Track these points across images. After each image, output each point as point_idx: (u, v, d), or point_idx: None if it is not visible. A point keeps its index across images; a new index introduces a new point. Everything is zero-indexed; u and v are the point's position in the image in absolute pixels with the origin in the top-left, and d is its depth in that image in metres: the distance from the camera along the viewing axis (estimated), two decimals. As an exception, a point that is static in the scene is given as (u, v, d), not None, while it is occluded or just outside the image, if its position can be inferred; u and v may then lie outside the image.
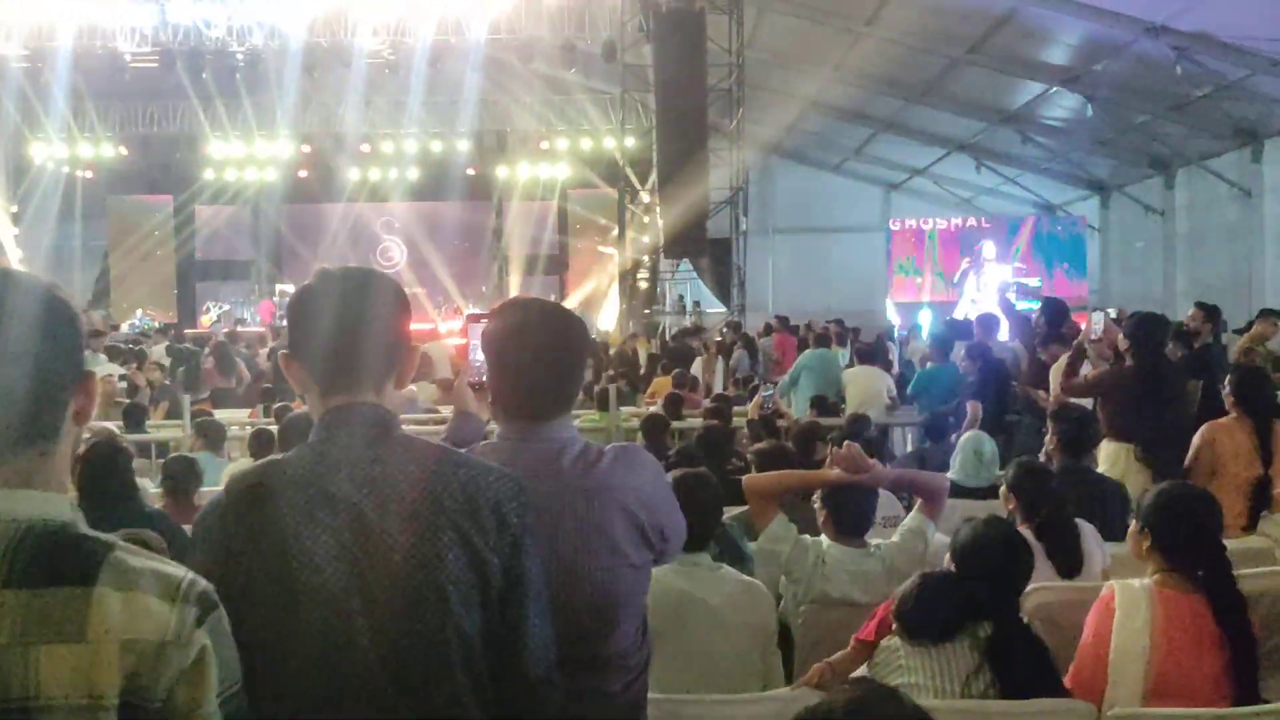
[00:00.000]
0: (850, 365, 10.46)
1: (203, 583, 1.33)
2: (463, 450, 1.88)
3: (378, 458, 1.66)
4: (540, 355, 2.02)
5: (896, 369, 11.97)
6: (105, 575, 1.26)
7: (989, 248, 19.20)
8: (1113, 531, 4.31)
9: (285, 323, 1.87)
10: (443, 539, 1.63)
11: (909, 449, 8.14)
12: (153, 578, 1.29)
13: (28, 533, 1.26)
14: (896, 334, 16.51)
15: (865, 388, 8.73)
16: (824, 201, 23.20)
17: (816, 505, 3.83)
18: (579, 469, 2.02)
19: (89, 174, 22.21)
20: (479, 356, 2.15)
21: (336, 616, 1.59)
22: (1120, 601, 2.72)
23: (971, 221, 19.52)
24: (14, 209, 21.12)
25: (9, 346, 1.29)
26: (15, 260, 21.03)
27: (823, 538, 3.72)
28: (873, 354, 10.09)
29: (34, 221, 21.43)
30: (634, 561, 2.08)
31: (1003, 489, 3.93)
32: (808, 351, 9.64)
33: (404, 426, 1.76)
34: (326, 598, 1.58)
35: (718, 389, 11.09)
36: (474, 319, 2.29)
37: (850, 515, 3.74)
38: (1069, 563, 3.59)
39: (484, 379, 2.14)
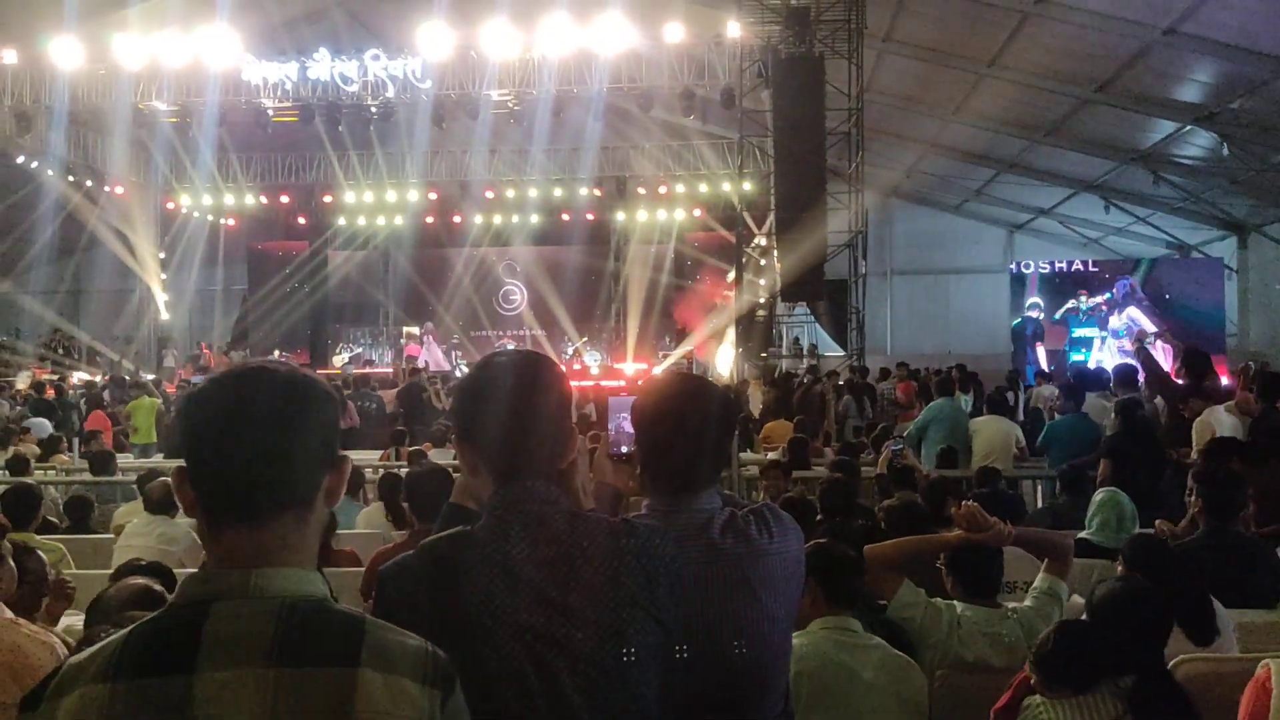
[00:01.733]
0: (975, 413, 10.25)
1: (443, 658, 1.37)
2: (624, 517, 1.95)
3: (553, 537, 1.73)
4: (689, 430, 2.07)
5: (1020, 416, 11.68)
6: (367, 655, 1.30)
7: (1119, 289, 18.58)
8: (1262, 597, 4.15)
9: (453, 402, 1.97)
10: (624, 614, 1.70)
11: (1040, 503, 7.94)
12: (405, 656, 1.33)
13: (294, 610, 1.31)
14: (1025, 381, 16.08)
15: (993, 438, 8.52)
16: (944, 243, 22.87)
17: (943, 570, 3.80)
18: (729, 536, 2.07)
19: (231, 222, 23.44)
20: (621, 426, 2.22)
21: (517, 697, 1.66)
22: (1278, 681, 2.62)
23: (1078, 265, 18.86)
24: (162, 255, 22.38)
25: (282, 419, 1.37)
26: (161, 303, 22.29)
27: (955, 602, 3.67)
28: (1001, 403, 9.86)
29: (180, 267, 22.68)
30: (783, 626, 2.13)
31: (1120, 568, 3.80)
32: (937, 401, 9.42)
33: None
34: (508, 676, 1.66)
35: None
36: (609, 393, 2.38)
37: (974, 576, 3.69)
38: (1202, 632, 3.45)
39: (623, 450, 2.21)
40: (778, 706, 2.14)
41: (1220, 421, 6.48)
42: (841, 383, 14.48)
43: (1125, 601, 2.80)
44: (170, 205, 22.48)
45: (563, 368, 1.96)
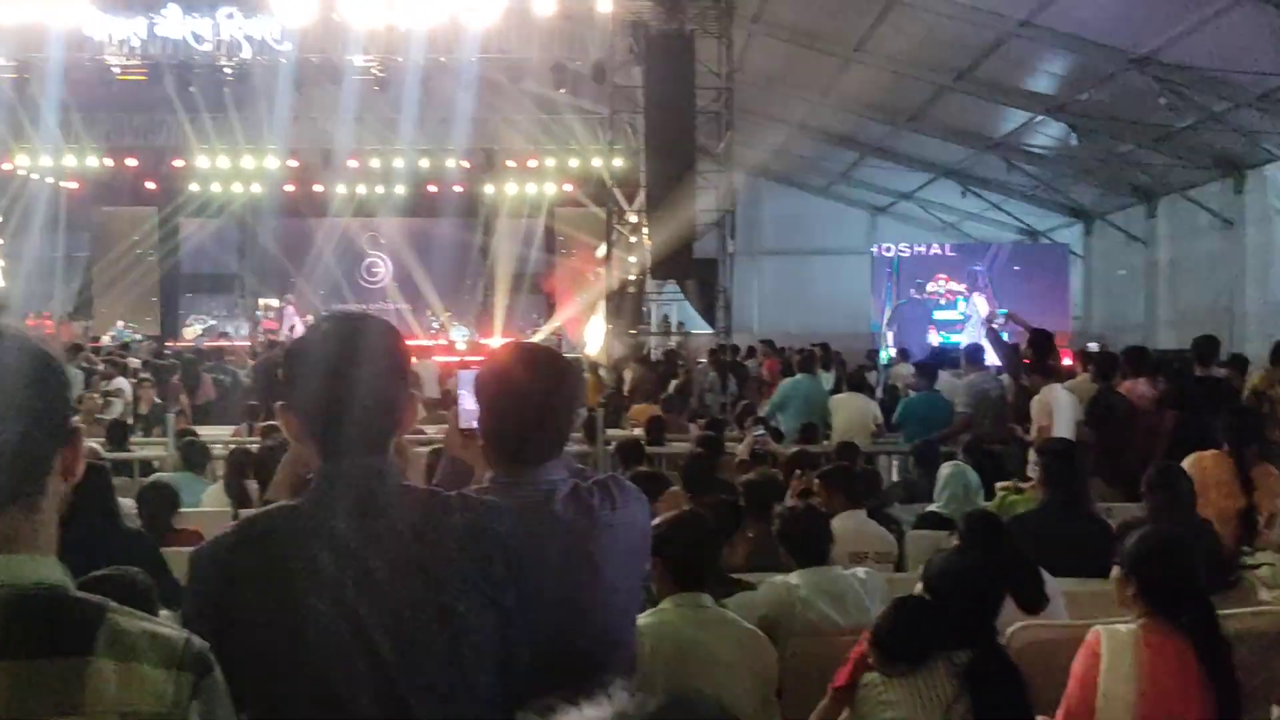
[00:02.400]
0: (836, 390, 10.48)
1: (198, 643, 1.29)
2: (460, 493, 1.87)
3: (381, 510, 1.64)
4: (534, 401, 2.03)
5: (880, 395, 12.01)
6: (102, 643, 1.22)
7: (973, 275, 19.25)
8: (1099, 567, 4.33)
9: (283, 367, 1.83)
10: (456, 592, 1.62)
11: (895, 477, 8.16)
12: (149, 643, 1.25)
13: (20, 598, 1.23)
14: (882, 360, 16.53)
15: (852, 415, 8.73)
16: (810, 224, 23.31)
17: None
18: (572, 509, 2.03)
19: (74, 185, 22.10)
20: (469, 403, 2.15)
21: (341, 675, 1.57)
22: (1107, 648, 2.72)
23: (935, 249, 19.48)
24: (-2, 219, 21.01)
25: (6, 405, 1.25)
26: (-2, 270, 20.96)
27: (790, 574, 3.76)
28: (860, 381, 10.10)
29: (17, 232, 21.30)
30: (627, 598, 2.12)
31: (955, 541, 3.93)
32: (795, 378, 9.63)
33: None
34: (332, 654, 1.56)
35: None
36: (463, 365, 2.31)
37: (804, 544, 3.84)
38: (1032, 601, 3.58)
39: (473, 424, 2.14)
40: (623, 680, 2.11)
41: (1058, 399, 6.81)
42: (706, 360, 14.62)
43: (958, 576, 2.86)
44: (7, 166, 21.06)
45: (399, 330, 1.84)
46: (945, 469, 5.79)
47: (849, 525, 4.89)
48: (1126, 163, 16.59)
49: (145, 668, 1.23)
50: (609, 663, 2.06)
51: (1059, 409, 6.76)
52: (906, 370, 12.76)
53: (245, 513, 5.85)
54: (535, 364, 2.08)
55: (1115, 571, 2.87)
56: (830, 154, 20.75)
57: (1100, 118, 14.90)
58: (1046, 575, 3.74)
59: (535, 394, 2.03)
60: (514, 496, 1.99)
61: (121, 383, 11.51)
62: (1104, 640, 2.74)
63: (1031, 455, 5.01)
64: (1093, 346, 11.79)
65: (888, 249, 19.68)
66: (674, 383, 13.27)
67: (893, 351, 16.49)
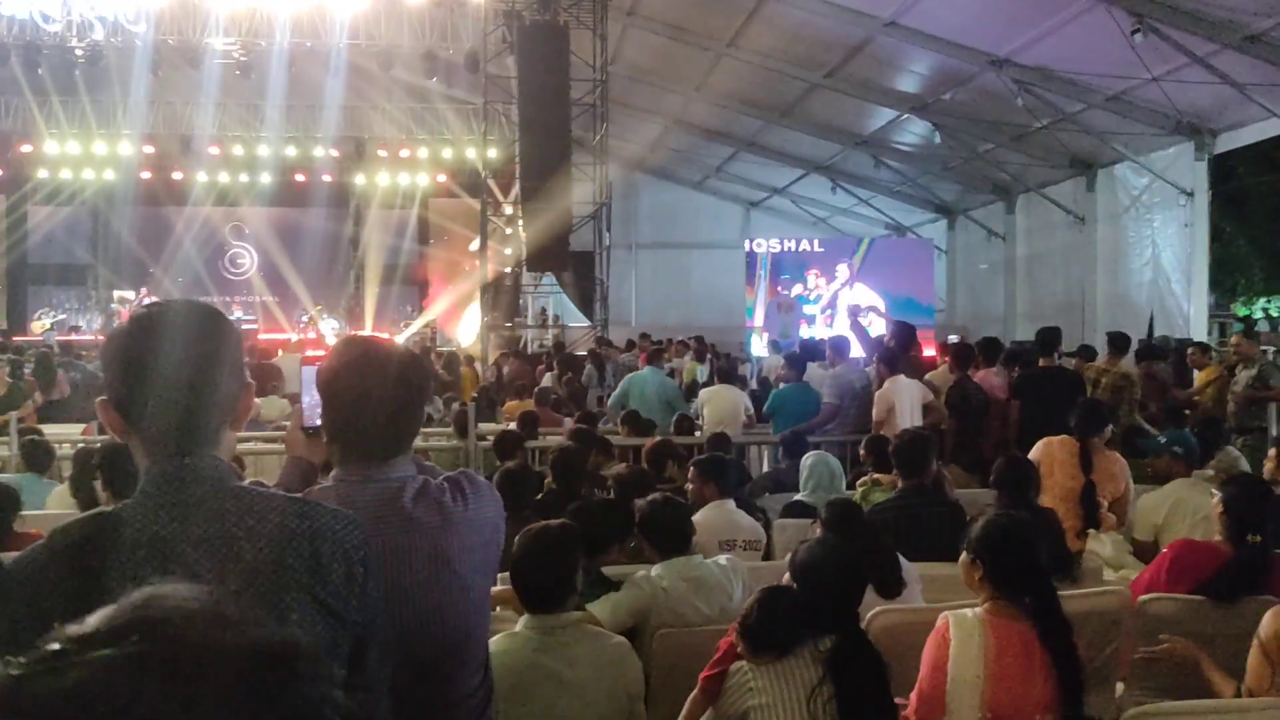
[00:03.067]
0: (709, 383, 10.58)
1: None
2: (300, 496, 1.78)
3: (214, 513, 1.54)
4: (380, 396, 1.95)
5: (754, 386, 12.18)
6: None
7: (842, 269, 19.70)
8: (950, 550, 4.47)
9: (100, 360, 1.69)
10: (287, 599, 1.53)
11: (765, 467, 8.27)
12: None
13: None
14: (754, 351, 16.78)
15: (722, 405, 8.82)
16: (686, 218, 23.52)
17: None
18: (422, 506, 1.97)
19: (-90, 169, 20.74)
20: (312, 398, 2.06)
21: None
22: (955, 632, 2.80)
23: (805, 245, 19.88)
24: None
25: None
26: None
27: (651, 569, 3.76)
28: (731, 373, 10.22)
29: None
30: (479, 595, 2.07)
31: (817, 528, 4.02)
32: (637, 372, 9.98)
33: (250, 444, 1.65)
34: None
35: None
36: (306, 362, 2.20)
37: (665, 534, 3.85)
38: (890, 585, 3.68)
39: (317, 424, 2.05)
40: (477, 676, 2.10)
41: (899, 391, 7.09)
42: (585, 352, 14.60)
43: (822, 564, 2.90)
44: None
45: (225, 318, 1.72)
46: (809, 458, 5.88)
47: (718, 515, 4.92)
48: (987, 161, 17.23)
49: None
50: (463, 656, 2.04)
51: (899, 401, 7.03)
52: (778, 361, 12.99)
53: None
54: (378, 359, 2.00)
55: (963, 556, 2.95)
56: (704, 148, 20.96)
57: (962, 117, 15.42)
58: (904, 560, 3.84)
59: (379, 389, 1.95)
60: (362, 494, 1.93)
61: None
62: (952, 625, 2.82)
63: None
64: (953, 338, 12.20)
65: (759, 244, 19.96)
66: (548, 375, 13.21)
67: (764, 344, 16.75)
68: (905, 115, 16.16)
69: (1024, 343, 12.07)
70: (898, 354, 7.55)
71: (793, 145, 19.57)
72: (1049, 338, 7.77)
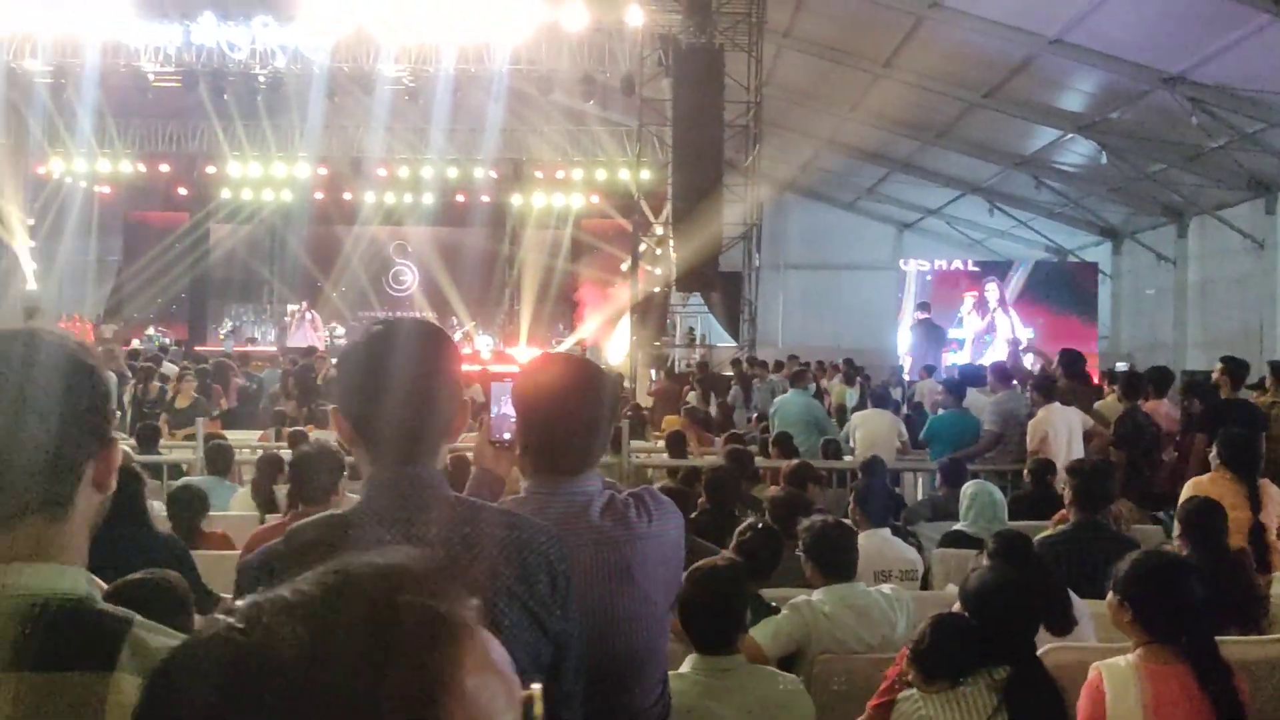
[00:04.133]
0: (860, 406, 10.47)
1: None
2: (506, 508, 1.89)
3: (431, 521, 1.65)
4: (571, 412, 2.04)
5: (906, 411, 11.97)
6: (125, 659, 1.19)
7: (993, 290, 19.13)
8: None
9: (335, 372, 1.84)
10: (499, 605, 1.62)
11: (921, 495, 8.12)
12: None
13: (44, 610, 1.19)
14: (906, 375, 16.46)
15: (876, 431, 8.69)
16: (837, 238, 23.29)
17: (801, 557, 3.87)
18: (609, 520, 2.04)
19: (107, 189, 22.40)
20: (503, 411, 2.16)
21: None
22: (1109, 684, 2.70)
23: (959, 265, 19.37)
24: (31, 221, 21.26)
25: (22, 409, 1.22)
26: (30, 272, 21.19)
27: (812, 593, 3.73)
28: (884, 397, 10.07)
29: (50, 235, 21.56)
30: (662, 610, 2.12)
31: (984, 561, 3.90)
32: (782, 396, 9.84)
33: None
34: None
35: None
36: (495, 378, 2.31)
37: (831, 559, 3.78)
38: (1060, 622, 3.55)
39: (505, 437, 2.15)
40: (657, 690, 2.14)
41: (1054, 421, 6.85)
42: (730, 373, 14.62)
43: (997, 591, 2.84)
44: (42, 170, 21.35)
45: (450, 337, 1.86)
46: (969, 488, 5.76)
47: (873, 543, 4.87)
48: (1157, 182, 16.49)
49: None
50: (644, 670, 2.09)
51: (1054, 430, 6.78)
52: (932, 386, 12.72)
53: (272, 518, 5.91)
54: (575, 375, 2.09)
55: (1110, 597, 2.85)
56: (857, 169, 20.73)
57: (1131, 137, 14.82)
58: (1075, 598, 3.72)
59: (575, 405, 2.04)
60: (552, 507, 2.01)
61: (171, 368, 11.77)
62: (1105, 677, 2.71)
63: (1061, 475, 4.97)
64: (1121, 366, 11.70)
65: (913, 265, 19.61)
66: (693, 394, 13.27)
67: (907, 366, 16.42)
68: (1069, 135, 15.63)
69: (1196, 373, 11.49)
70: (1053, 381, 7.30)
71: (949, 166, 19.17)
72: (1237, 369, 7.35)
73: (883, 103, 16.45)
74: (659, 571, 2.07)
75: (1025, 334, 17.87)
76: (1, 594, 1.19)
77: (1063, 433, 6.93)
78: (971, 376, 9.39)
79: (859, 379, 14.02)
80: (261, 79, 16.99)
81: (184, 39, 16.47)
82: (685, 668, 2.91)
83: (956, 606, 2.94)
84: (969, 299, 18.68)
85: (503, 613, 1.62)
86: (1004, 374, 8.11)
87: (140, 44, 16.47)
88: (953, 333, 17.97)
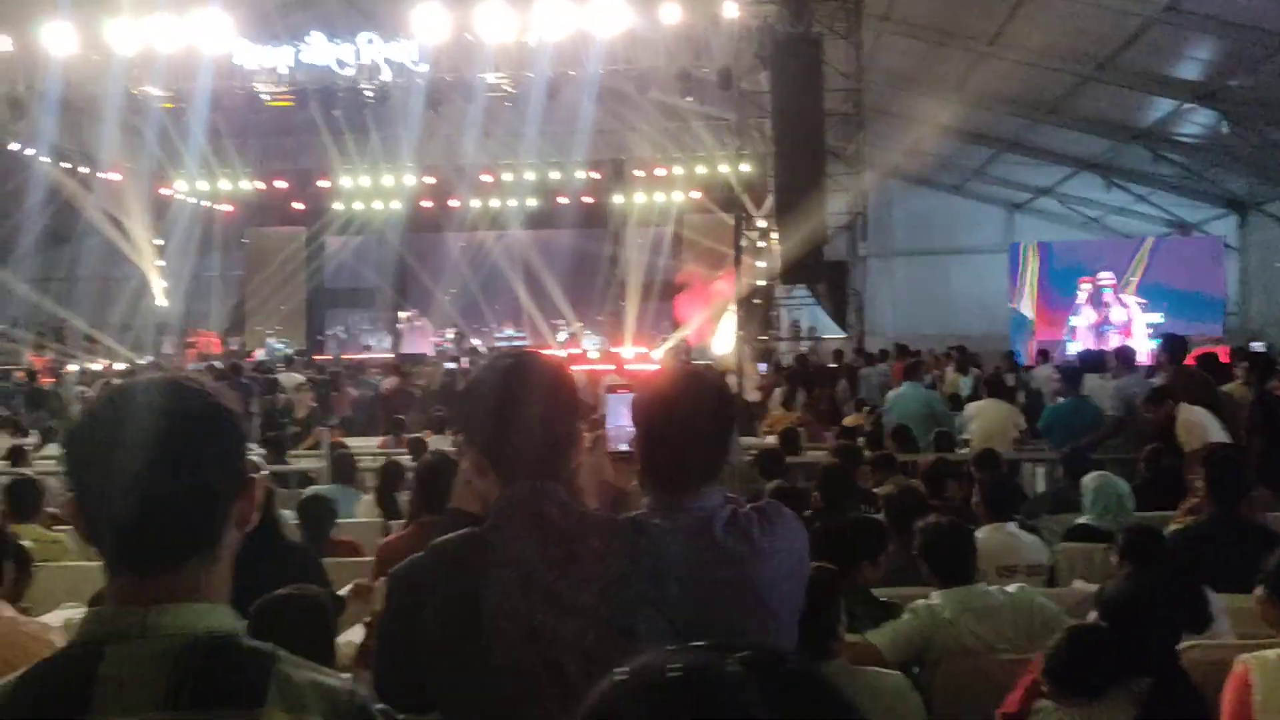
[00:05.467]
0: (974, 396, 10.23)
1: (361, 695, 1.31)
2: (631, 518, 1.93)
3: (564, 535, 1.72)
4: (693, 428, 2.03)
5: (1022, 399, 11.65)
6: (273, 695, 1.23)
7: (1108, 279, 18.52)
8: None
9: (462, 404, 1.95)
10: (636, 615, 1.69)
11: (1040, 487, 7.92)
12: (316, 695, 1.25)
13: (195, 648, 1.24)
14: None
15: (992, 421, 8.49)
16: (944, 223, 22.81)
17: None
18: (732, 536, 2.02)
19: (228, 208, 23.36)
20: (621, 424, 2.19)
21: (528, 697, 1.66)
22: (1258, 677, 2.59)
23: (1079, 244, 18.79)
24: (159, 242, 22.29)
25: (177, 457, 1.27)
26: (159, 290, 22.24)
27: (932, 596, 3.67)
28: (999, 385, 9.80)
29: (176, 253, 22.58)
30: (787, 625, 2.09)
31: (1114, 557, 3.78)
32: (897, 390, 9.56)
33: None
34: (520, 676, 1.66)
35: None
36: (611, 390, 2.35)
37: (949, 561, 3.72)
38: (1196, 619, 3.43)
39: (623, 448, 2.18)
40: None
41: (1194, 420, 6.54)
42: (835, 365, 14.47)
43: (1135, 601, 2.75)
44: (165, 191, 22.37)
45: (570, 367, 1.94)
46: (1092, 480, 5.58)
47: (997, 538, 4.77)
48: (1284, 150, 15.72)
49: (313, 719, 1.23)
50: None
51: (1209, 426, 6.48)
52: (1048, 372, 12.37)
53: (395, 524, 6.08)
54: (697, 391, 2.08)
55: (1258, 591, 2.73)
56: (964, 151, 20.26)
57: (1253, 103, 14.14)
58: (1210, 593, 3.60)
59: (697, 421, 2.03)
60: (674, 522, 2.00)
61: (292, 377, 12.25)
62: (1254, 669, 2.61)
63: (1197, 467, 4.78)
64: (1257, 346, 11.12)
65: (1029, 245, 19.12)
66: (778, 390, 13.13)
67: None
68: (1187, 105, 15.00)
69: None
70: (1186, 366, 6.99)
71: (1060, 143, 18.58)
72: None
73: (989, 81, 16.03)
74: (783, 586, 2.05)
75: (1146, 321, 17.31)
76: (158, 633, 1.24)
77: (1213, 426, 6.60)
78: (1091, 362, 9.10)
79: (972, 367, 13.68)
80: (368, 93, 17.46)
81: (294, 59, 17.05)
82: None
83: (1093, 616, 2.86)
84: (1084, 290, 18.15)
85: (639, 620, 1.67)
86: (1128, 358, 7.83)
87: (253, 65, 17.10)
88: (1073, 320, 17.53)
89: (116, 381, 1.38)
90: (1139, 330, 17.67)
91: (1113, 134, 17.40)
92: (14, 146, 18.65)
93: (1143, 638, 2.67)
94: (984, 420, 8.55)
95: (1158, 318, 17.97)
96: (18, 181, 19.07)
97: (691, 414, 2.04)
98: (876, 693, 2.92)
